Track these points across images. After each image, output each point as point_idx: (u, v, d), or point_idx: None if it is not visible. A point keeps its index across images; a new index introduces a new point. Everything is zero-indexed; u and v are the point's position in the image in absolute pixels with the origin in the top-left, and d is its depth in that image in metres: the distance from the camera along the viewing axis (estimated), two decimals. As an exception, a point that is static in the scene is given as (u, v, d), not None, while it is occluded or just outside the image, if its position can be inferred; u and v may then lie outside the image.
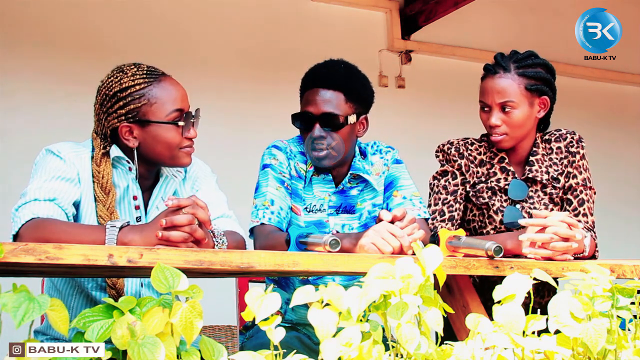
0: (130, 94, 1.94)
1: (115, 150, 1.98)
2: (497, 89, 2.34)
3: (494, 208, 2.38)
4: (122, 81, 1.96)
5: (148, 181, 2.06)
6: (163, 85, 1.96)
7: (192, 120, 1.99)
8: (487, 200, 2.39)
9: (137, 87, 1.95)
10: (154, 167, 2.04)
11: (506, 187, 2.39)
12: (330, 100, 2.25)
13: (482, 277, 2.40)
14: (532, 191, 2.42)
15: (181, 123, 1.95)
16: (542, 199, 2.41)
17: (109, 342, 1.22)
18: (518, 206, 2.38)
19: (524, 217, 2.33)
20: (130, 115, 1.94)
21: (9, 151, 4.06)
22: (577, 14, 3.33)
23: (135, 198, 2.01)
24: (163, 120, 1.94)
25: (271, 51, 4.84)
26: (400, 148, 2.51)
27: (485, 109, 2.38)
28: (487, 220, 2.39)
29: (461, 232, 1.93)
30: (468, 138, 2.48)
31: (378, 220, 1.96)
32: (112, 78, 1.98)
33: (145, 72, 1.98)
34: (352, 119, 2.27)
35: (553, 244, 1.99)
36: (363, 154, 2.42)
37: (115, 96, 1.95)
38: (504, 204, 2.39)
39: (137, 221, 2.01)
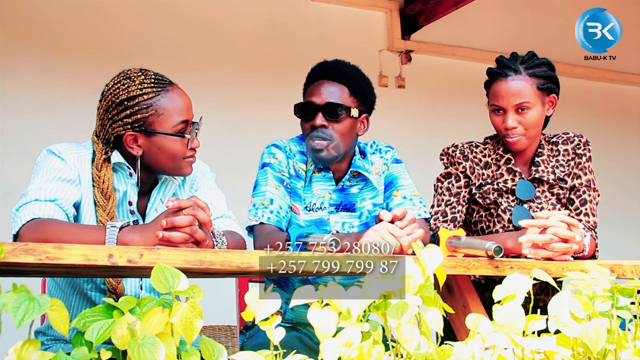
0: (137, 103, 1.93)
1: (116, 157, 1.97)
2: (513, 91, 2.34)
3: (502, 207, 2.39)
4: (129, 89, 1.93)
5: (147, 185, 2.05)
6: (171, 96, 1.95)
7: (196, 130, 1.99)
8: (494, 199, 2.40)
9: (145, 97, 1.93)
10: (155, 174, 2.04)
11: (513, 187, 2.40)
12: (335, 92, 2.29)
13: (487, 277, 2.41)
14: (539, 191, 2.42)
15: (188, 135, 1.96)
16: (550, 199, 2.42)
17: (109, 342, 1.22)
18: (526, 206, 2.39)
19: (532, 218, 2.33)
20: (136, 125, 1.93)
21: (9, 151, 4.07)
22: (577, 14, 3.33)
23: (130, 203, 2.01)
24: (169, 131, 1.93)
25: (271, 51, 4.84)
26: (400, 148, 2.51)
27: (499, 112, 2.38)
28: (495, 220, 2.40)
29: (461, 232, 1.93)
30: (472, 142, 2.49)
31: (378, 220, 1.97)
32: (118, 84, 1.96)
33: (153, 80, 1.96)
34: (355, 112, 2.30)
35: (553, 244, 2.00)
36: (362, 153, 2.43)
37: (122, 104, 1.93)
38: (512, 204, 2.39)
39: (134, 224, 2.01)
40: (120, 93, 1.94)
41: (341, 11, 5.09)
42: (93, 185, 1.94)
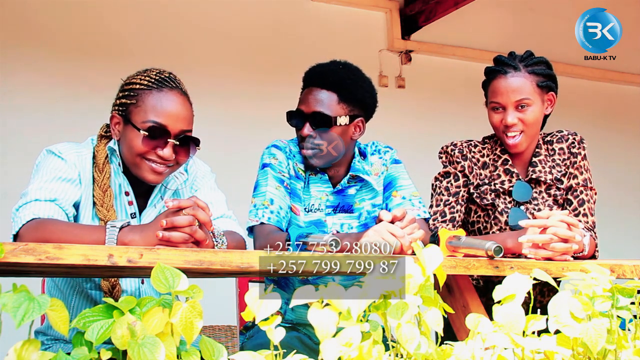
0: (130, 89, 1.97)
1: (112, 143, 2.00)
2: (513, 88, 2.34)
3: (499, 209, 2.38)
4: (135, 77, 2.00)
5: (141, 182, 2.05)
6: (159, 96, 1.94)
7: (170, 140, 1.92)
8: (491, 201, 2.39)
9: (137, 87, 1.96)
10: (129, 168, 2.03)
11: (510, 189, 2.39)
12: (322, 100, 2.26)
13: (485, 278, 2.40)
14: (536, 192, 2.42)
15: (143, 132, 1.91)
16: (547, 200, 2.41)
17: (109, 342, 1.22)
18: (522, 207, 2.38)
19: (528, 218, 2.33)
20: (120, 108, 1.98)
21: (9, 151, 4.07)
22: (577, 14, 3.33)
23: (127, 194, 2.01)
24: (138, 125, 1.93)
25: (271, 51, 4.84)
26: (400, 148, 2.51)
27: (499, 109, 2.37)
28: (492, 222, 2.39)
29: (461, 232, 1.93)
30: (471, 140, 2.48)
31: (378, 220, 1.97)
32: (135, 73, 2.03)
33: (156, 77, 1.98)
34: (343, 120, 2.26)
35: (553, 244, 1.99)
36: (363, 154, 2.42)
37: (122, 87, 2.01)
38: (509, 206, 2.39)
39: (132, 217, 2.01)
40: (128, 78, 2.01)
41: (341, 11, 5.09)
42: (93, 182, 1.95)
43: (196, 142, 1.98)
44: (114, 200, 1.97)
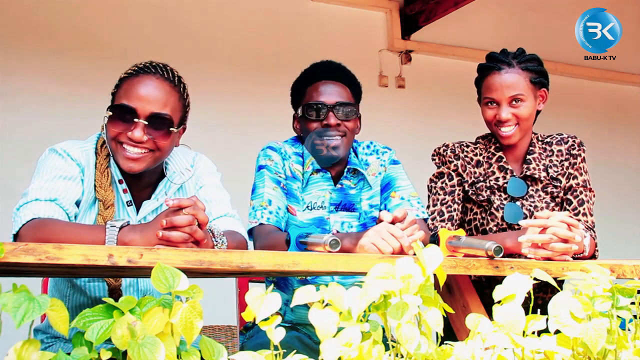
0: (118, 80, 2.00)
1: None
2: (507, 84, 2.37)
3: (495, 205, 2.39)
4: (127, 69, 2.01)
5: (154, 176, 2.05)
6: (133, 81, 1.95)
7: (137, 121, 1.90)
8: (487, 197, 2.41)
9: (122, 76, 1.99)
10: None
11: (505, 185, 2.41)
12: (342, 92, 2.33)
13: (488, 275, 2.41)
14: (532, 190, 2.43)
15: (109, 112, 1.93)
16: (544, 197, 2.42)
17: (109, 342, 1.22)
18: (518, 203, 2.40)
19: (525, 215, 2.35)
20: (111, 100, 2.00)
21: (9, 151, 4.07)
22: (577, 14, 3.33)
23: (121, 182, 2.01)
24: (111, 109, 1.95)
25: (271, 51, 4.84)
26: (400, 148, 2.52)
27: (492, 105, 2.40)
28: (489, 217, 2.40)
29: (461, 232, 1.93)
30: (463, 141, 2.51)
31: (378, 221, 1.96)
32: None
33: (141, 65, 1.99)
34: (357, 113, 2.34)
35: (552, 244, 2.00)
36: (354, 151, 2.43)
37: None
38: (504, 202, 2.40)
39: (128, 205, 2.01)
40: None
41: (341, 11, 5.09)
42: (95, 171, 1.96)
43: (168, 123, 1.94)
44: (111, 181, 1.97)
